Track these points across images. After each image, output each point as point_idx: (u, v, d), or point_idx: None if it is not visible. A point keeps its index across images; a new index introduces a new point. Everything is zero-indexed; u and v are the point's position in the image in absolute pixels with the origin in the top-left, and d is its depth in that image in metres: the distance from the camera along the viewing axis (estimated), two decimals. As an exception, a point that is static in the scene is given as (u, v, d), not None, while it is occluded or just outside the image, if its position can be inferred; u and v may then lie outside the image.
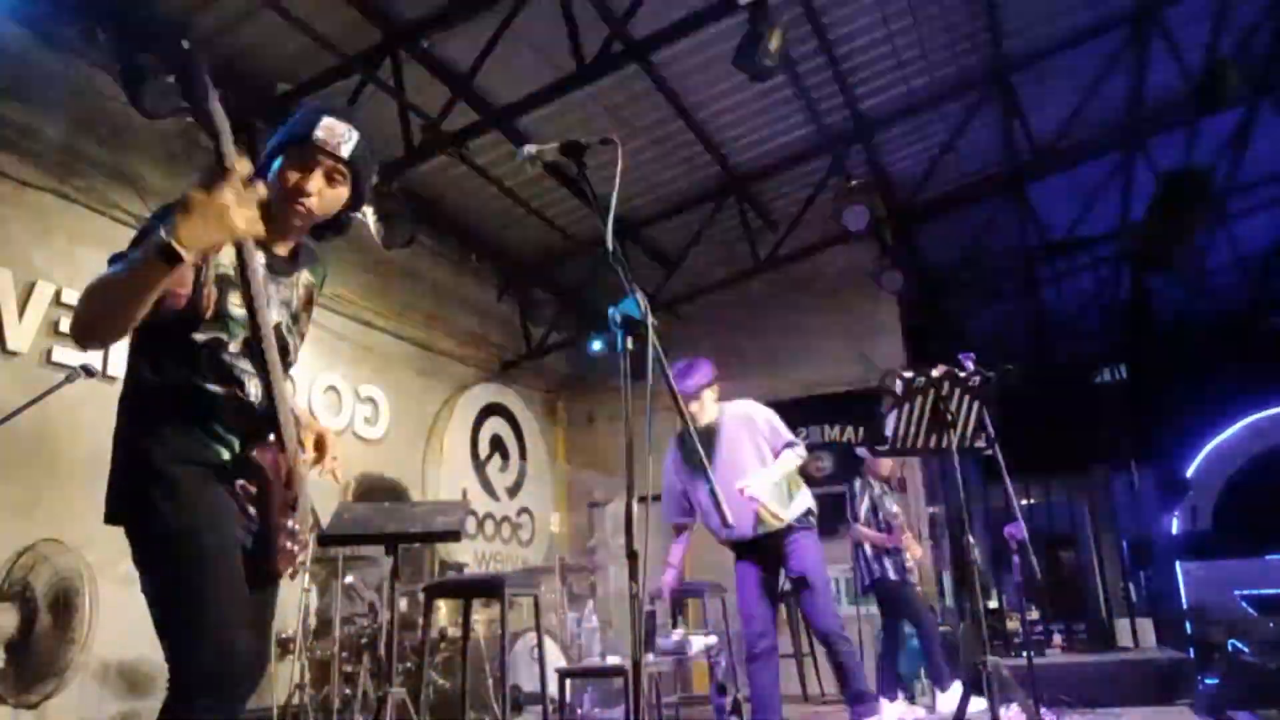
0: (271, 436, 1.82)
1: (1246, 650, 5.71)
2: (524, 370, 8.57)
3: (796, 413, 7.76)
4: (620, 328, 1.79)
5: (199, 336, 1.73)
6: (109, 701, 4.37)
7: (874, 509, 5.58)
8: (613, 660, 4.71)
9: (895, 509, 5.61)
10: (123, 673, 4.43)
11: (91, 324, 1.60)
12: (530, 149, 1.97)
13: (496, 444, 8.08)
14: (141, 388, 1.76)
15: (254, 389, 1.80)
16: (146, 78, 4.79)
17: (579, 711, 5.56)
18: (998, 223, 8.19)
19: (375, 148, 1.92)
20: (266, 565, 1.84)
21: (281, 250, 1.89)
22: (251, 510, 1.81)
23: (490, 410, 8.07)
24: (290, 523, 1.87)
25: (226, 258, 1.72)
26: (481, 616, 5.21)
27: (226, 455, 1.77)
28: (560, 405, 9.35)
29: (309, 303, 1.99)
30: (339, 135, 1.80)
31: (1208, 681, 5.67)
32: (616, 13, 5.09)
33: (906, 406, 3.44)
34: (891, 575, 5.43)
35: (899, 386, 3.48)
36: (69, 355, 4.47)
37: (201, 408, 1.75)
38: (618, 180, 1.86)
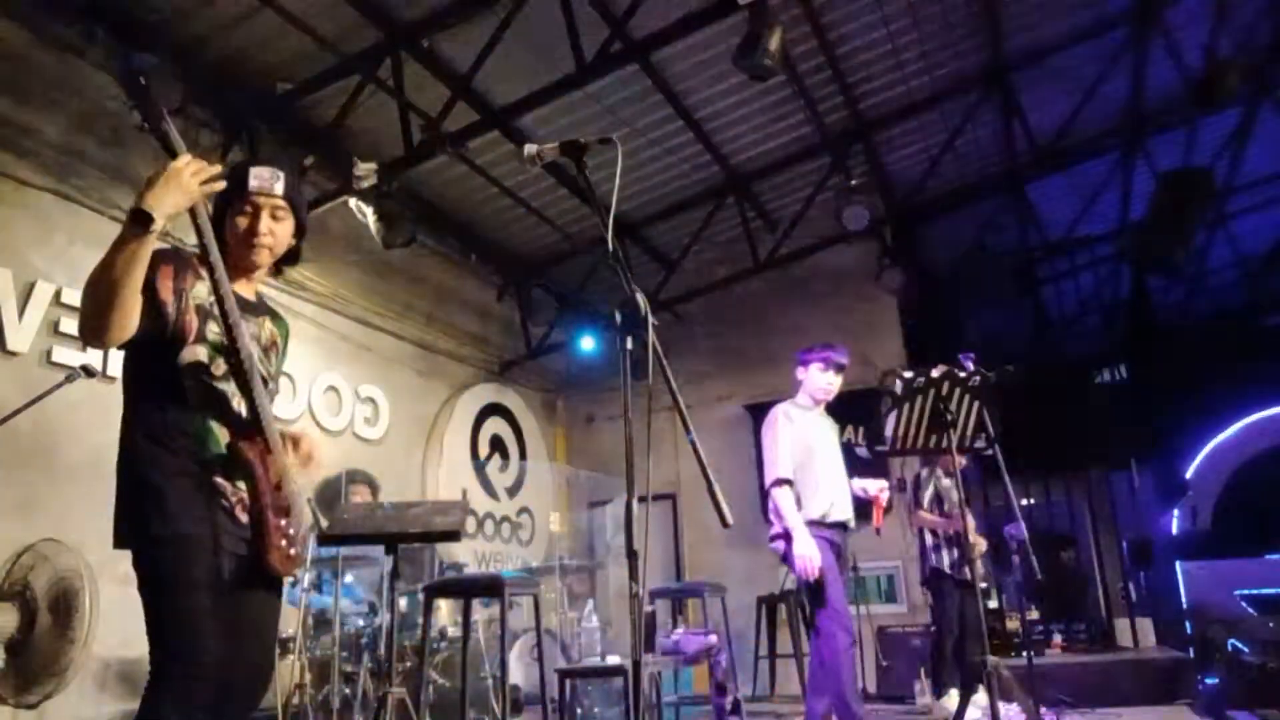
0: (257, 438, 1.95)
1: (1246, 650, 5.71)
2: (524, 370, 8.57)
3: (796, 413, 7.79)
4: (620, 328, 1.79)
5: (183, 359, 1.89)
6: (109, 701, 4.37)
7: (938, 498, 5.52)
8: (612, 660, 4.70)
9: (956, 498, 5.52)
10: (123, 673, 4.43)
11: (94, 315, 1.72)
12: (530, 149, 1.97)
13: (496, 444, 8.08)
14: (135, 408, 1.92)
15: (238, 405, 1.95)
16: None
17: (579, 711, 5.56)
18: (998, 223, 8.20)
19: (299, 183, 2.14)
20: (263, 566, 1.92)
21: (247, 292, 2.10)
22: (243, 518, 1.92)
23: (490, 410, 8.07)
24: (284, 523, 1.95)
25: (203, 290, 1.91)
26: (481, 616, 5.20)
27: (214, 451, 1.90)
28: (560, 405, 9.35)
29: (274, 347, 2.17)
30: (267, 178, 2.02)
31: (1208, 681, 5.67)
32: (616, 13, 5.09)
33: (906, 406, 3.44)
34: (946, 570, 5.38)
35: (899, 386, 3.48)
36: (69, 355, 4.47)
37: (188, 413, 1.90)
38: (618, 180, 1.87)
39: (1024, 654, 4.71)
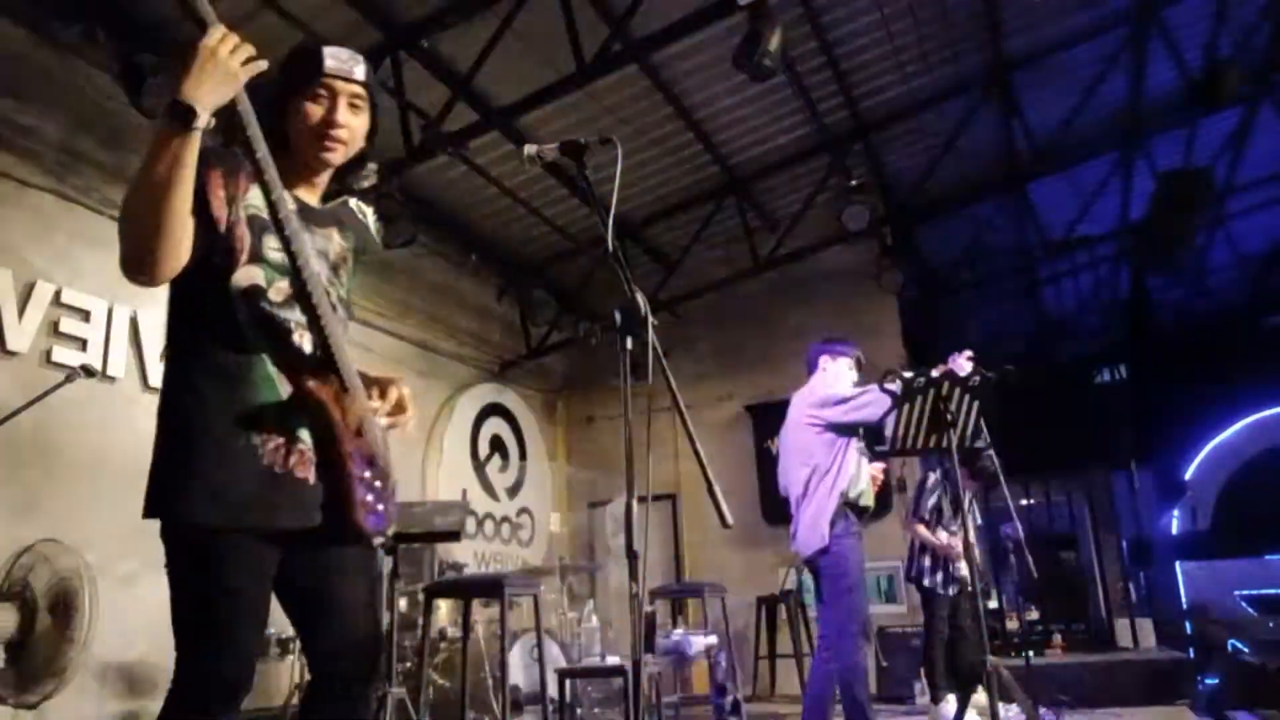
0: (331, 376, 1.64)
1: (1246, 650, 5.71)
2: (524, 370, 8.57)
3: (796, 413, 7.78)
4: (620, 328, 1.79)
5: (235, 284, 1.57)
6: (109, 701, 4.37)
7: (939, 509, 5.50)
8: (612, 660, 4.70)
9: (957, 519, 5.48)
10: (123, 673, 4.43)
11: (138, 244, 1.44)
12: (530, 149, 1.96)
13: (496, 444, 8.07)
14: (180, 350, 1.62)
15: (301, 339, 1.63)
16: (146, 78, 4.80)
17: (579, 711, 5.56)
18: (998, 223, 8.20)
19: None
20: (347, 528, 1.64)
21: (311, 198, 1.78)
22: (306, 476, 1.60)
23: (490, 410, 8.07)
24: (368, 474, 1.68)
25: (256, 198, 1.60)
26: (481, 616, 5.21)
27: (271, 399, 1.58)
28: (560, 405, 9.35)
29: (344, 263, 1.86)
30: (346, 60, 1.71)
31: (1208, 681, 5.67)
32: (616, 13, 5.09)
33: (906, 406, 3.44)
34: (925, 581, 5.38)
35: (899, 386, 3.48)
36: (69, 355, 4.47)
37: (246, 357, 1.58)
38: (618, 180, 1.86)
39: (1024, 654, 4.71)
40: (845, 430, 3.87)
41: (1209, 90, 5.66)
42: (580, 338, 8.13)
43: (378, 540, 1.72)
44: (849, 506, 3.80)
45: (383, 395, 1.82)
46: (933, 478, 5.63)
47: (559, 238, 7.63)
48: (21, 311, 4.42)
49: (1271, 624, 6.69)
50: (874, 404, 3.69)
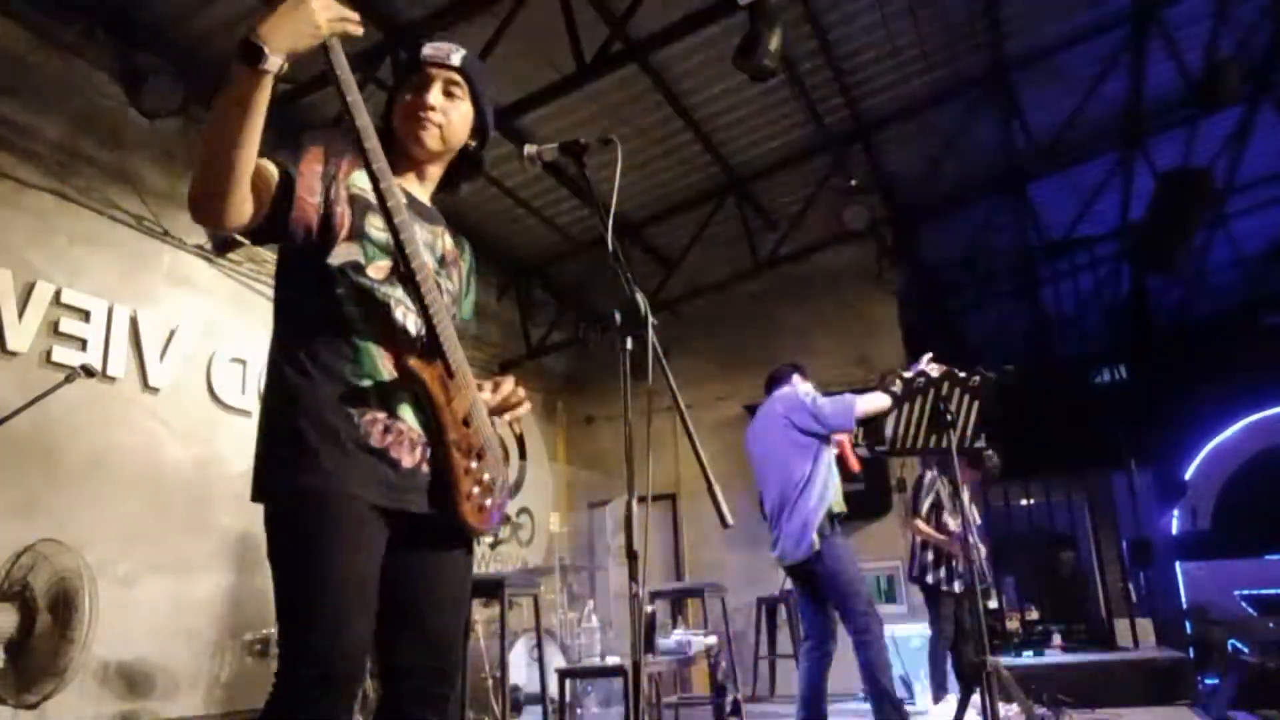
0: (436, 360, 1.59)
1: (1246, 650, 5.72)
2: (524, 370, 8.56)
3: (796, 413, 7.78)
4: (620, 328, 1.79)
5: (334, 260, 1.55)
6: (109, 701, 4.37)
7: (938, 506, 5.50)
8: (612, 660, 4.70)
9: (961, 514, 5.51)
10: (123, 673, 4.43)
11: (202, 185, 1.41)
12: (530, 149, 1.96)
13: (496, 444, 8.06)
14: (284, 329, 1.59)
15: (405, 318, 1.60)
16: (146, 78, 4.80)
17: (579, 711, 5.56)
18: (998, 223, 8.20)
19: (485, 73, 1.80)
20: (452, 522, 1.58)
21: (419, 192, 1.77)
22: (410, 462, 1.55)
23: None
24: (475, 465, 1.61)
25: (361, 180, 1.59)
26: (481, 616, 5.21)
27: (373, 377, 1.54)
28: (560, 405, 9.35)
29: (456, 264, 1.82)
30: (444, 49, 1.73)
31: (1208, 681, 5.67)
32: (616, 13, 5.09)
33: (906, 406, 3.44)
34: (942, 588, 5.38)
35: (899, 386, 3.48)
36: (69, 355, 4.47)
37: (348, 336, 1.54)
38: (618, 180, 1.86)
39: (1024, 654, 4.71)
40: (826, 437, 3.96)
41: (1209, 90, 5.66)
42: (580, 338, 8.13)
43: (486, 539, 1.67)
44: (829, 517, 3.89)
45: (495, 388, 1.77)
46: (929, 475, 5.64)
47: (559, 238, 7.63)
48: (21, 311, 4.41)
49: (1271, 624, 6.69)
50: (855, 404, 3.83)
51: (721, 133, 6.64)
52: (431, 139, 1.71)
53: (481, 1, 4.97)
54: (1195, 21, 5.93)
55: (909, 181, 7.37)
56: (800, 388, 4.19)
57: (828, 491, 3.90)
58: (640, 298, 1.77)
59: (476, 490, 1.61)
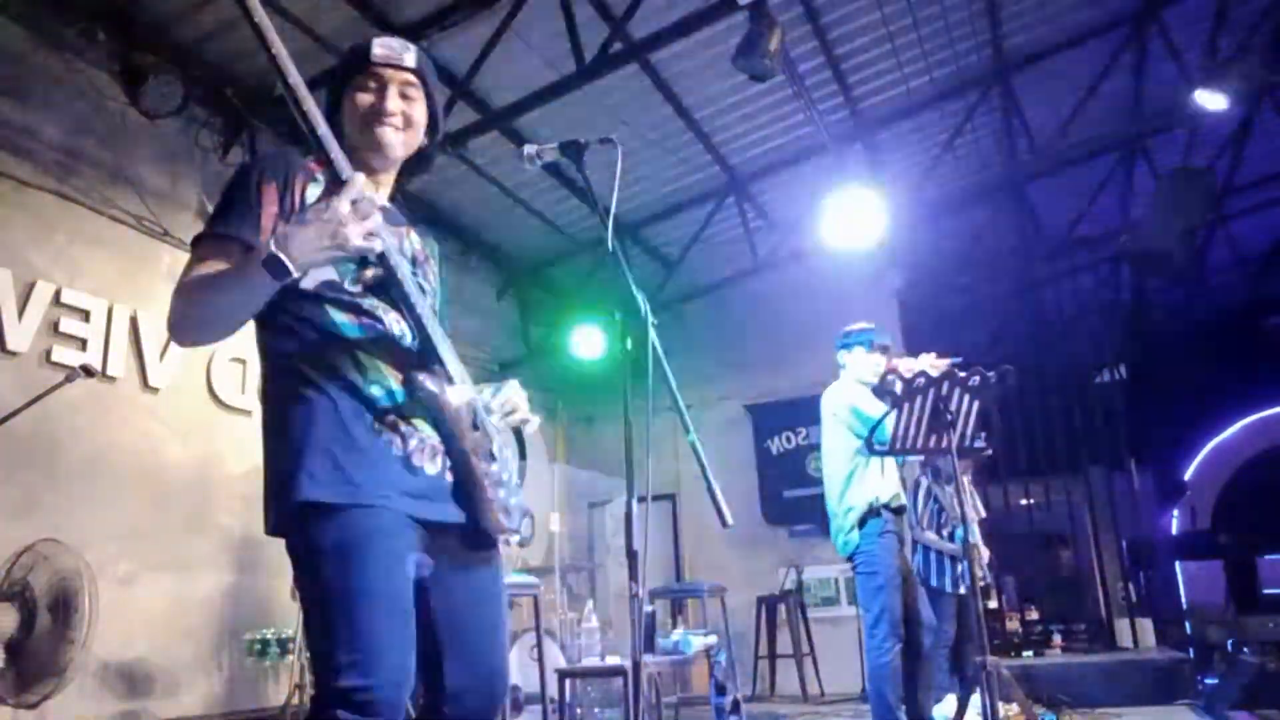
0: (436, 367, 1.57)
1: (1246, 650, 5.71)
2: (523, 370, 8.56)
3: (796, 412, 7.78)
4: (620, 328, 1.79)
5: (308, 285, 1.51)
6: (109, 701, 4.37)
7: (939, 508, 5.48)
8: (612, 660, 4.70)
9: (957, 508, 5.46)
10: (123, 673, 4.43)
11: (192, 328, 1.47)
12: (530, 149, 1.97)
13: (496, 444, 8.06)
14: (275, 366, 1.56)
15: (391, 323, 1.56)
16: (146, 78, 4.80)
17: (579, 711, 5.56)
18: (998, 223, 8.19)
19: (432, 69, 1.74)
20: (481, 518, 1.57)
21: (378, 193, 1.70)
22: (431, 469, 1.54)
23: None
24: (492, 467, 1.59)
25: (318, 192, 1.54)
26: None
27: (381, 392, 1.51)
28: (560, 405, 9.35)
29: (427, 261, 1.77)
30: (396, 48, 1.65)
31: (1208, 681, 5.67)
32: (616, 13, 5.09)
33: (906, 406, 3.44)
34: (932, 582, 5.37)
35: (899, 386, 3.48)
36: (69, 355, 4.47)
37: (344, 355, 1.52)
38: (618, 180, 1.86)
39: (1024, 654, 4.71)
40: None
41: (1209, 90, 5.65)
42: (579, 338, 8.12)
43: (514, 539, 1.66)
44: (883, 507, 3.85)
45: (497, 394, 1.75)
46: (924, 483, 5.64)
47: (559, 238, 7.63)
48: (21, 311, 4.41)
49: (1271, 624, 6.68)
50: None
51: (721, 133, 6.64)
52: (394, 147, 1.66)
53: (481, 1, 4.97)
54: (1195, 21, 5.93)
55: (909, 181, 7.37)
56: (849, 370, 4.12)
57: (869, 488, 3.87)
58: (640, 298, 1.77)
59: (501, 493, 1.61)
